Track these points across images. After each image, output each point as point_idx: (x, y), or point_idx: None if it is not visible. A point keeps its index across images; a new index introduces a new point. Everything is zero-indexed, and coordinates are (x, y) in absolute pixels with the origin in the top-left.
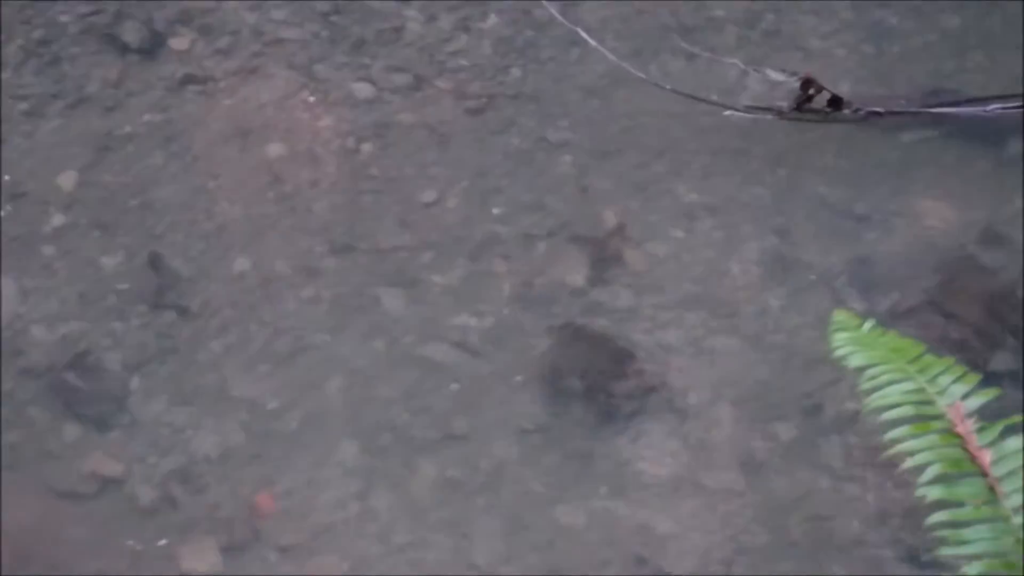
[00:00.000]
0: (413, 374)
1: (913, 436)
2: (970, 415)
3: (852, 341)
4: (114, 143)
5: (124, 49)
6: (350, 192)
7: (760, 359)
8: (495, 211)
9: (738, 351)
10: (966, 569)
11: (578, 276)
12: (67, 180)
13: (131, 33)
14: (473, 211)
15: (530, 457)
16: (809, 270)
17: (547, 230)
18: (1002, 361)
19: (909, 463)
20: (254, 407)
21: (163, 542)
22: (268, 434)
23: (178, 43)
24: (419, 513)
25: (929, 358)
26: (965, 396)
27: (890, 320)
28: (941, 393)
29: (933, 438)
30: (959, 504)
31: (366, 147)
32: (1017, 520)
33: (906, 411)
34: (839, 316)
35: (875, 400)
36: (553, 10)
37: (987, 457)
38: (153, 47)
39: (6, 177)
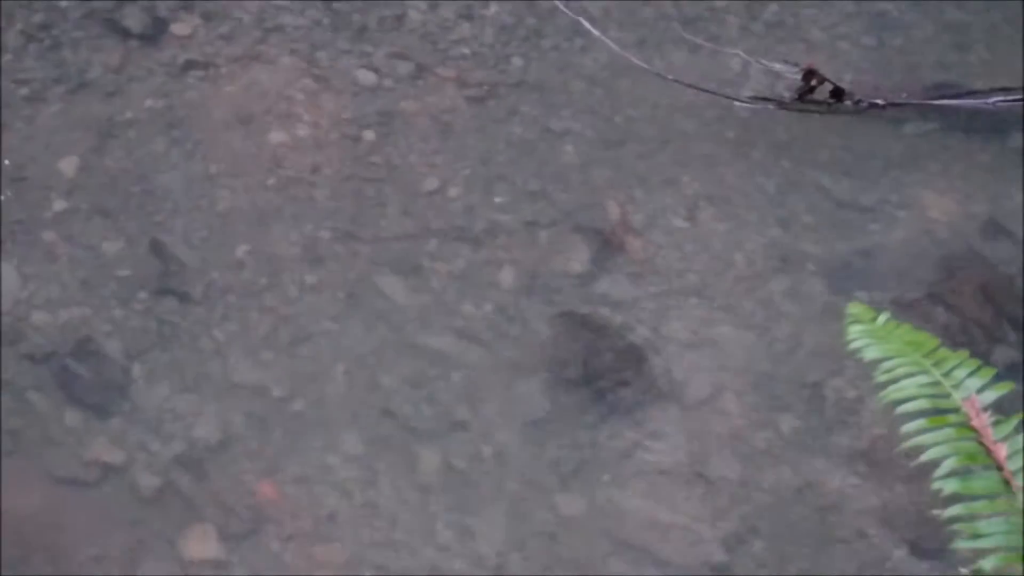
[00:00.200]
0: (416, 363)
1: (929, 429)
2: (986, 409)
3: (867, 334)
4: (116, 129)
5: (125, 34)
6: (352, 180)
7: (762, 350)
8: (498, 200)
9: (740, 341)
10: (981, 563)
11: (581, 265)
12: (68, 165)
13: (133, 18)
14: (476, 200)
15: (532, 446)
16: (811, 261)
17: (550, 219)
18: (1003, 354)
19: (925, 456)
20: (257, 394)
21: (164, 529)
22: (271, 422)
23: (180, 28)
24: (422, 501)
25: (944, 351)
26: (981, 390)
27: (892, 312)
28: (957, 387)
29: (949, 432)
30: (974, 497)
31: (368, 135)
32: None
33: (922, 404)
34: (854, 308)
35: (891, 393)
36: None
37: (1003, 451)
38: (155, 33)
39: (7, 162)
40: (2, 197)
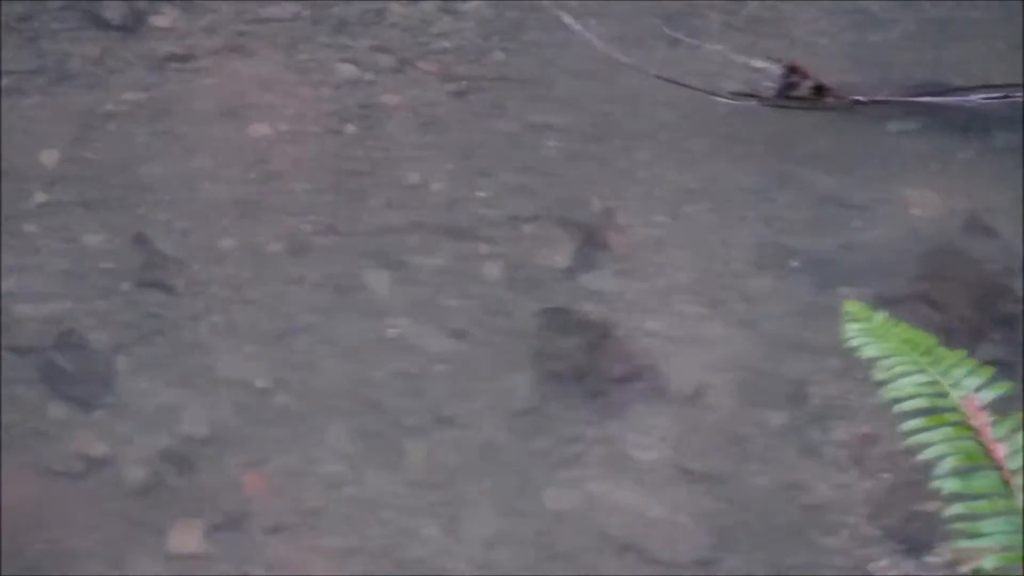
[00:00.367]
0: (400, 356)
1: (928, 428)
2: (984, 408)
3: (865, 332)
4: (96, 121)
5: (105, 26)
6: (335, 173)
7: (747, 345)
8: (481, 194)
9: (725, 337)
10: (982, 563)
11: (565, 260)
12: (49, 158)
13: (112, 9)
14: (458, 194)
15: (519, 441)
16: (794, 257)
17: (533, 213)
18: (986, 351)
19: (924, 455)
20: (243, 387)
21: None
22: (257, 414)
23: (160, 20)
24: (408, 496)
25: (942, 350)
26: (979, 389)
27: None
28: (955, 385)
29: (948, 430)
30: (974, 497)
31: (350, 128)
32: None
33: (920, 403)
34: (851, 306)
35: (889, 392)
36: None
37: (1002, 450)
38: (135, 24)
39: None
40: None
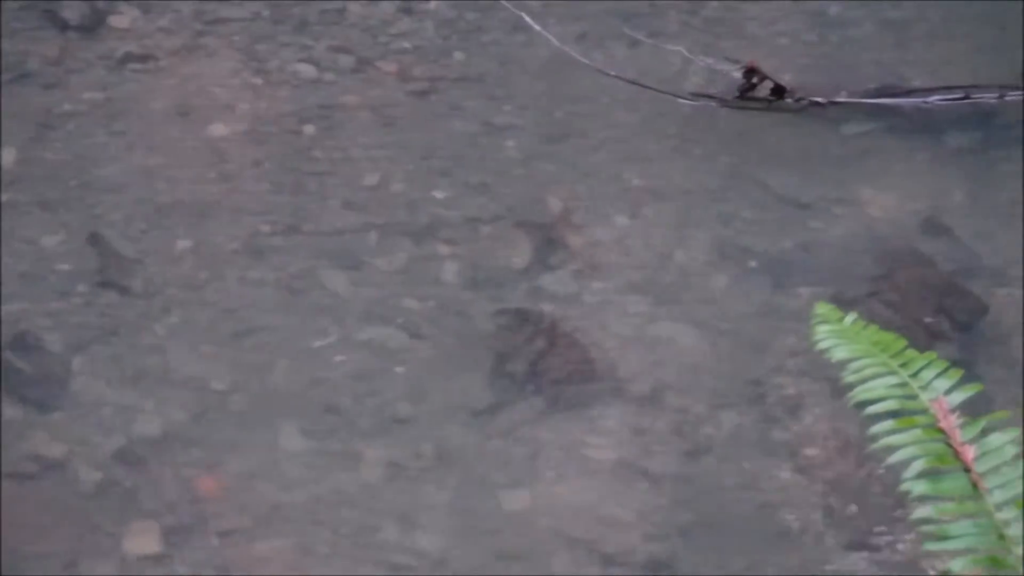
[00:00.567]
0: (358, 357)
1: (898, 431)
2: (953, 410)
3: (835, 334)
4: (55, 121)
5: (64, 26)
6: (293, 173)
7: (704, 345)
8: (439, 195)
9: (682, 337)
10: (951, 566)
11: (523, 260)
12: (7, 157)
13: (71, 9)
14: (417, 194)
15: (476, 441)
16: (752, 257)
17: (492, 214)
18: (944, 351)
19: (894, 458)
20: (198, 388)
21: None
22: (212, 416)
23: (119, 20)
24: (364, 497)
25: (911, 352)
26: (948, 391)
27: None
28: (924, 388)
29: (917, 433)
30: (943, 499)
31: (309, 128)
32: (1000, 516)
33: (890, 405)
34: (821, 308)
35: (859, 394)
36: None
37: (970, 453)
38: (93, 24)
39: None
40: None
